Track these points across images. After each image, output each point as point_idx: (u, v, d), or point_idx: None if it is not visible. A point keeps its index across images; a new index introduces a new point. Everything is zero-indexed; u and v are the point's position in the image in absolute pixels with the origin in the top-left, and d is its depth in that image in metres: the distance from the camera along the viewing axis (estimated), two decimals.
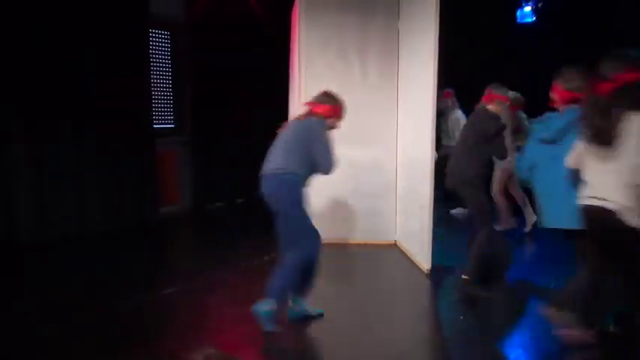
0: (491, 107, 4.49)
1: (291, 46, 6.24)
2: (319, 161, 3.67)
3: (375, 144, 5.83)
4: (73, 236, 5.83)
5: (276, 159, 3.68)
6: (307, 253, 3.71)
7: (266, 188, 3.73)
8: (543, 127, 3.65)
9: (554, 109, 3.70)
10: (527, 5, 8.68)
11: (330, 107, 3.83)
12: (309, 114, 3.84)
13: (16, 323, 3.75)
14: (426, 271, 4.87)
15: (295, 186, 3.64)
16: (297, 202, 3.65)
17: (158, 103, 7.20)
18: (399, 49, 5.67)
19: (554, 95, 3.64)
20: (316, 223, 5.76)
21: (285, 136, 3.78)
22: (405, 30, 5.51)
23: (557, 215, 3.48)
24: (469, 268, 4.42)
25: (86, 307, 3.99)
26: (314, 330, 3.90)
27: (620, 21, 7.73)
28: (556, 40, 8.66)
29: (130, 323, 3.79)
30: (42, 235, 5.66)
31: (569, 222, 3.33)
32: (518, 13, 8.81)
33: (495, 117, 4.43)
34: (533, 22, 8.69)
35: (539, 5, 8.59)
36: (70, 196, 5.90)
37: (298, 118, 3.91)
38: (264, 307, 3.58)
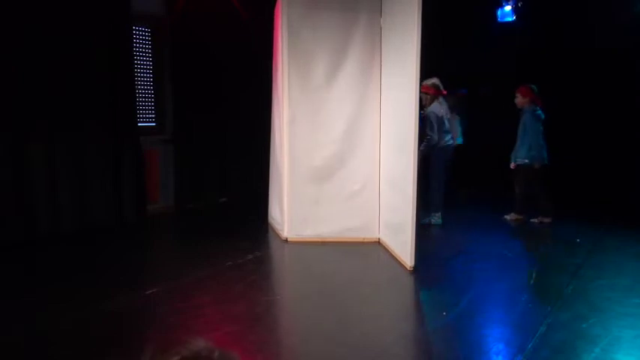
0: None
1: (273, 44, 6.21)
2: None
3: (357, 140, 5.82)
4: (54, 235, 5.74)
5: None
6: None
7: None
8: None
9: None
10: (508, 4, 8.76)
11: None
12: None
13: None
14: (409, 268, 4.88)
15: None
16: None
17: (139, 100, 7.11)
18: (382, 45, 5.68)
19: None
20: (299, 220, 5.84)
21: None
22: (388, 27, 5.52)
23: None
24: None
25: (68, 307, 3.92)
26: (296, 328, 3.90)
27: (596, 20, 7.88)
28: (537, 38, 8.78)
29: (113, 323, 3.73)
30: (22, 235, 5.56)
31: None
32: (499, 12, 8.88)
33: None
34: (514, 21, 8.79)
35: (519, 4, 8.68)
36: (51, 195, 5.80)
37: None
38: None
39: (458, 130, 7.83)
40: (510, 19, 8.79)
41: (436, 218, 6.65)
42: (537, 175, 6.57)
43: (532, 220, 6.74)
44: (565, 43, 8.44)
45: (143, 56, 7.18)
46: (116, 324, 3.72)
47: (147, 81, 7.29)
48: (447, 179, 6.65)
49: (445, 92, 6.51)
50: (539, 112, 6.59)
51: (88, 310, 3.88)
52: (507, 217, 6.89)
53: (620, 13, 7.70)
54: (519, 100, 6.62)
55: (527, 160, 6.51)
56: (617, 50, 7.75)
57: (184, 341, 1.07)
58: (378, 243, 5.81)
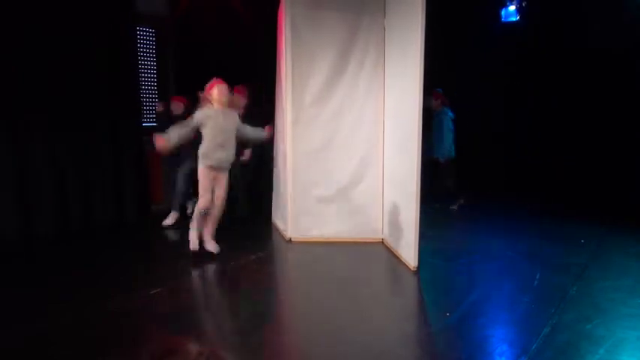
0: None
1: (277, 45, 6.20)
2: None
3: (360, 140, 5.81)
4: (55, 235, 5.76)
5: None
6: None
7: None
8: None
9: None
10: (512, 4, 8.71)
11: None
12: None
13: None
14: (412, 269, 4.85)
15: None
16: None
17: (143, 100, 7.12)
18: (385, 46, 5.65)
19: None
20: (303, 221, 5.82)
21: None
22: (391, 28, 5.49)
23: None
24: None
25: (68, 307, 3.92)
26: (299, 328, 3.88)
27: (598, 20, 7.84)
28: (540, 38, 8.74)
29: (113, 323, 3.72)
30: (23, 234, 5.59)
31: None
32: (503, 12, 8.84)
33: None
34: (518, 21, 8.74)
35: (524, 4, 8.63)
36: (52, 195, 5.82)
37: None
38: None
39: None
40: (514, 19, 8.74)
41: None
42: (448, 168, 7.45)
43: (451, 207, 7.58)
44: (565, 43, 8.40)
45: (147, 56, 7.19)
46: (116, 324, 3.70)
47: (151, 81, 7.29)
48: None
49: None
50: (450, 112, 7.36)
51: (88, 310, 3.88)
52: (453, 206, 7.56)
53: (620, 13, 7.65)
54: (433, 103, 7.29)
55: (443, 155, 7.36)
56: (618, 50, 7.71)
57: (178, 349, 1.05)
58: (382, 243, 5.78)
